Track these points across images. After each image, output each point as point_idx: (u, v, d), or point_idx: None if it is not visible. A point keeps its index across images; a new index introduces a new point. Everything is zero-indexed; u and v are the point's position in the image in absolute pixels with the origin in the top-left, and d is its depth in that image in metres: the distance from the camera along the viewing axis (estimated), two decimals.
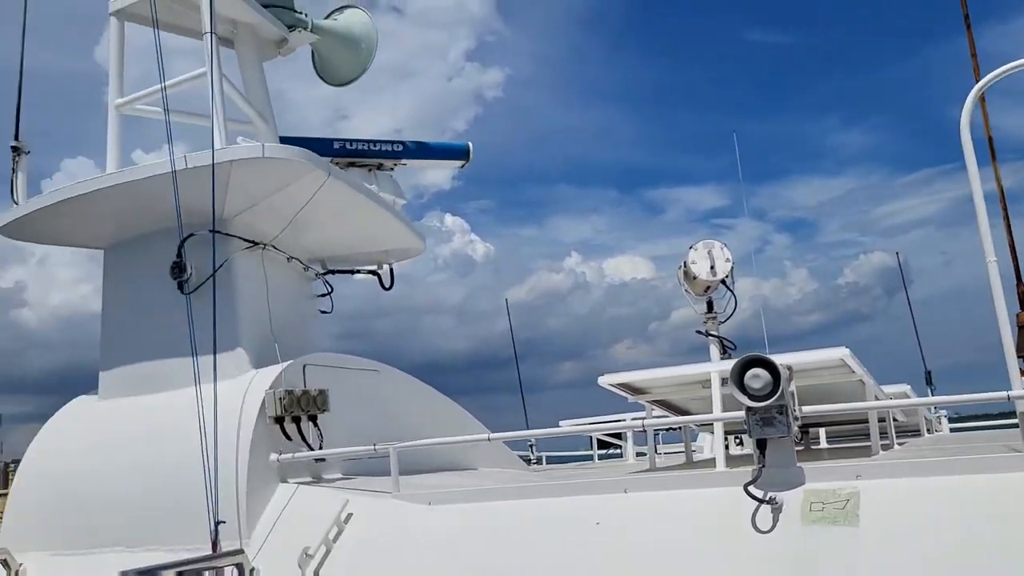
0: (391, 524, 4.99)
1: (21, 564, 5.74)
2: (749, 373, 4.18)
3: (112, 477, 5.79)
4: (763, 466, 4.18)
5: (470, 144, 8.38)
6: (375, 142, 7.91)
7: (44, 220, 6.40)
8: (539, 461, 10.18)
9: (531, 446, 10.27)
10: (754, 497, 4.13)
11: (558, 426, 9.13)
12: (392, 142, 8.03)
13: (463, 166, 8.43)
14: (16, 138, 6.62)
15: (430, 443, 5.59)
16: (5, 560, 5.66)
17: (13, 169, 6.57)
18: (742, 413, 4.38)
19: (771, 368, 4.16)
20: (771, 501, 4.10)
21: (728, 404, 5.47)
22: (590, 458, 10.65)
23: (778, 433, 4.19)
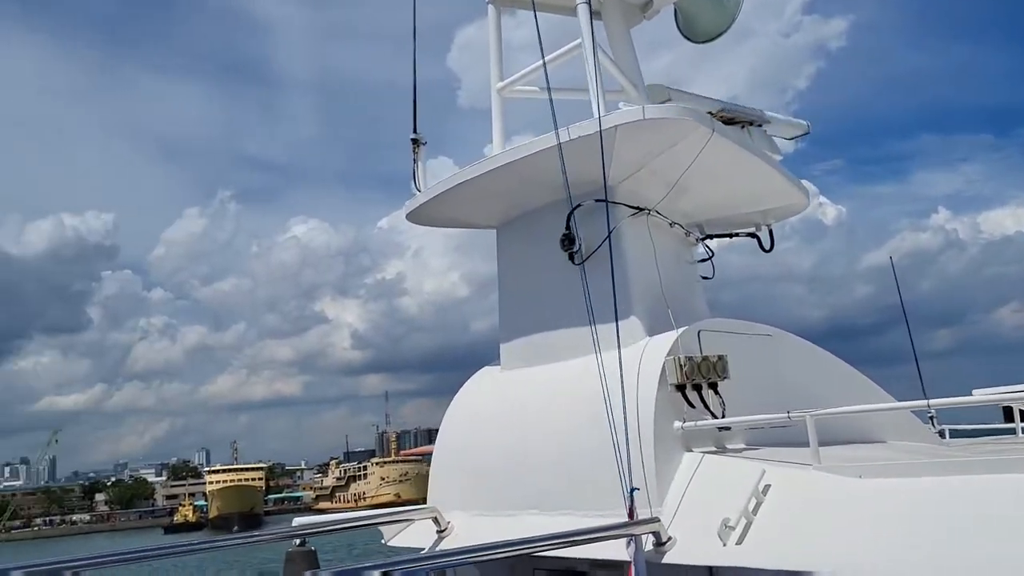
0: (816, 497, 4.60)
1: (449, 522, 6.22)
2: None
3: (522, 443, 6.04)
4: None
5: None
6: None
7: (443, 204, 6.87)
8: (941, 435, 9.04)
9: (931, 418, 9.16)
10: None
11: (970, 395, 8.02)
12: None
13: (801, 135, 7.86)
14: (414, 131, 7.19)
15: (852, 411, 5.10)
16: (435, 518, 6.17)
17: (414, 160, 7.14)
18: None
19: None
20: None
21: None
22: (1009, 431, 9.25)
23: None
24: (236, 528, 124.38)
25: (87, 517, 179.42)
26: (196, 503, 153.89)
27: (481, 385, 6.84)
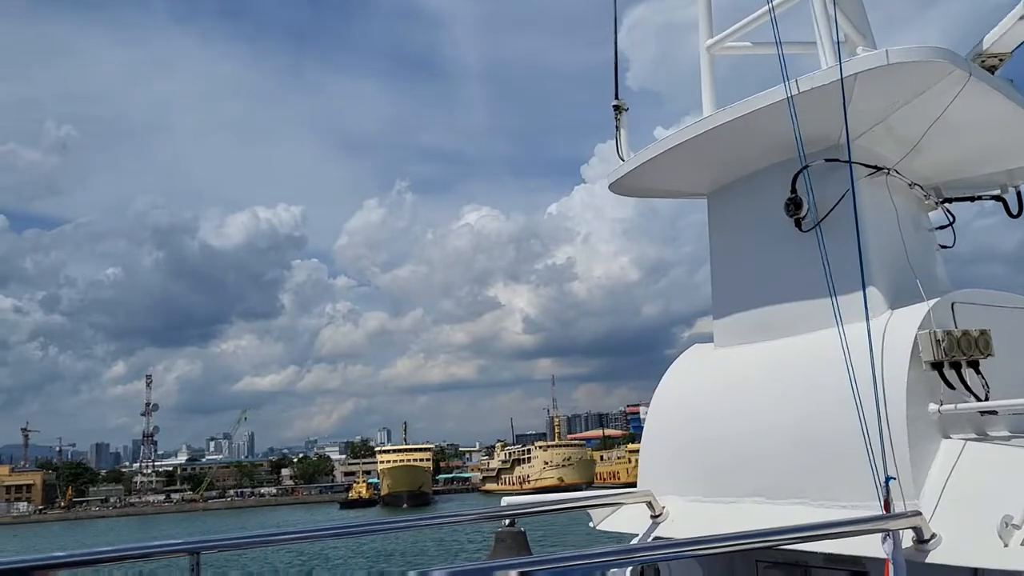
0: None
1: (664, 507, 5.87)
2: None
3: (745, 426, 5.60)
4: None
5: None
6: None
7: (650, 172, 6.49)
8: None
9: None
10: None
11: None
12: None
13: None
14: (616, 97, 6.84)
15: None
16: (650, 502, 5.84)
17: (616, 127, 6.80)
18: None
19: None
20: None
21: None
22: None
23: None
24: (405, 506, 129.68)
25: (273, 490, 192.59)
26: (370, 480, 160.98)
27: (694, 364, 6.42)
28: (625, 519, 6.10)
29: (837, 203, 5.32)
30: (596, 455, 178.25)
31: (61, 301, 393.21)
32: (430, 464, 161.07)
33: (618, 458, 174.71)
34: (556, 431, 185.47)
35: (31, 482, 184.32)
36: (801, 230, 5.53)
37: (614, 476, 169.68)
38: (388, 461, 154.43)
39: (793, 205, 5.56)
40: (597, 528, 6.26)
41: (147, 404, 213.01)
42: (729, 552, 4.15)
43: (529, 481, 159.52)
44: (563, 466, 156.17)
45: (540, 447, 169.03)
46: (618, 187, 6.79)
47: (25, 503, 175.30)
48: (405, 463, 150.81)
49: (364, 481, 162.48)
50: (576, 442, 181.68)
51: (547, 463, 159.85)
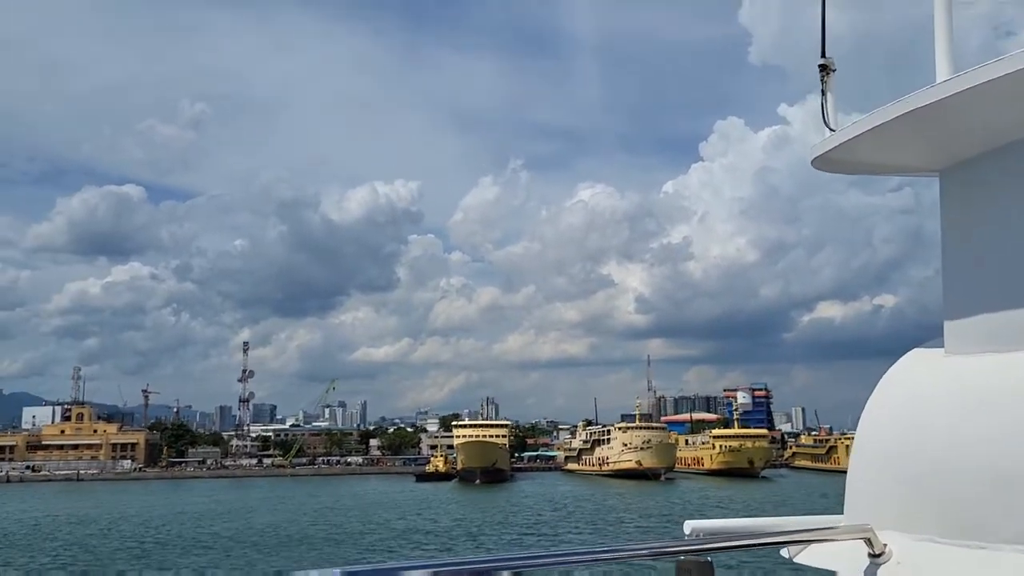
0: None
1: (885, 545, 4.90)
2: None
3: (1004, 453, 4.57)
4: None
5: None
6: None
7: (866, 145, 5.46)
8: None
9: None
10: None
11: None
12: None
13: None
14: (823, 55, 5.81)
15: None
16: (869, 538, 4.87)
17: (823, 91, 5.77)
18: None
19: None
20: None
21: None
22: None
23: None
24: (478, 482, 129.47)
25: (359, 460, 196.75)
26: (452, 455, 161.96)
27: (920, 373, 5.39)
28: (831, 554, 5.14)
29: None
30: (682, 439, 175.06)
31: (193, 270, 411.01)
32: (506, 441, 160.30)
33: (703, 443, 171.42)
34: (637, 412, 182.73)
35: (136, 441, 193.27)
36: None
37: (698, 462, 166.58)
38: (463, 436, 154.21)
39: None
40: (794, 560, 5.33)
41: (243, 370, 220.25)
42: None
43: (608, 463, 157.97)
44: (642, 449, 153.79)
45: (620, 428, 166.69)
46: (823, 162, 5.77)
47: (129, 461, 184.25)
48: (478, 439, 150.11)
49: (442, 455, 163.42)
50: (658, 425, 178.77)
51: (626, 445, 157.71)
